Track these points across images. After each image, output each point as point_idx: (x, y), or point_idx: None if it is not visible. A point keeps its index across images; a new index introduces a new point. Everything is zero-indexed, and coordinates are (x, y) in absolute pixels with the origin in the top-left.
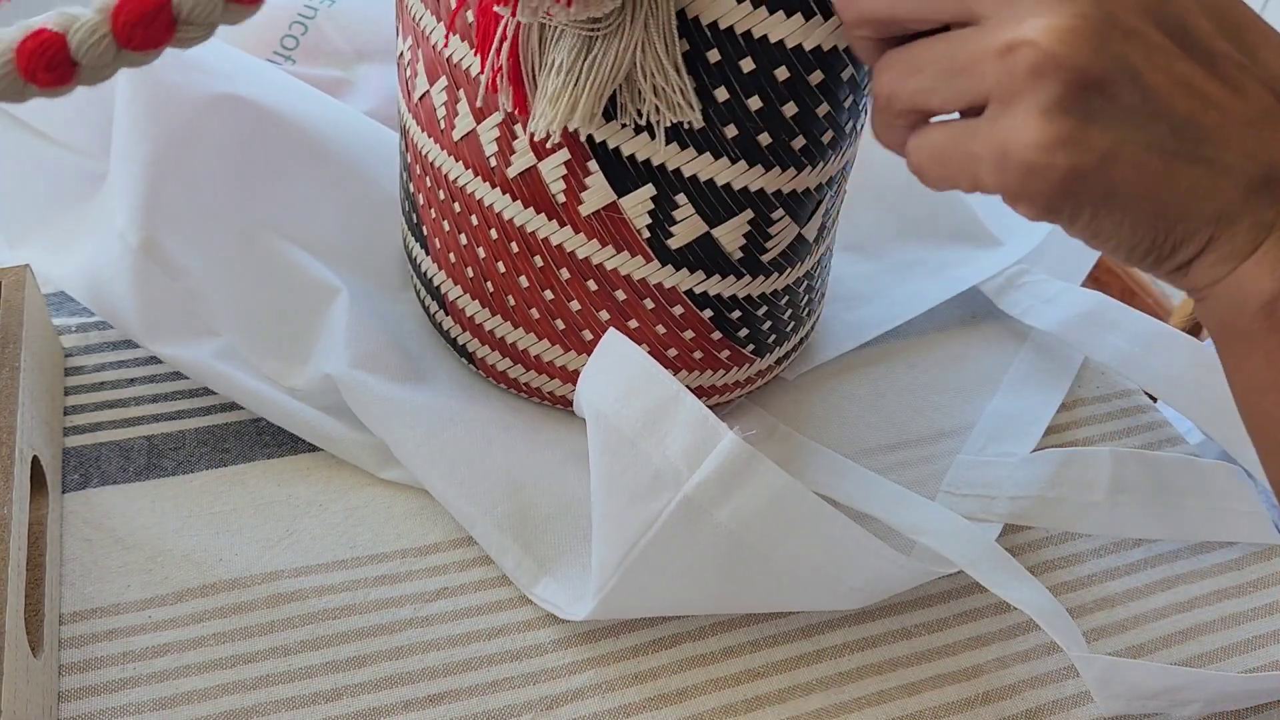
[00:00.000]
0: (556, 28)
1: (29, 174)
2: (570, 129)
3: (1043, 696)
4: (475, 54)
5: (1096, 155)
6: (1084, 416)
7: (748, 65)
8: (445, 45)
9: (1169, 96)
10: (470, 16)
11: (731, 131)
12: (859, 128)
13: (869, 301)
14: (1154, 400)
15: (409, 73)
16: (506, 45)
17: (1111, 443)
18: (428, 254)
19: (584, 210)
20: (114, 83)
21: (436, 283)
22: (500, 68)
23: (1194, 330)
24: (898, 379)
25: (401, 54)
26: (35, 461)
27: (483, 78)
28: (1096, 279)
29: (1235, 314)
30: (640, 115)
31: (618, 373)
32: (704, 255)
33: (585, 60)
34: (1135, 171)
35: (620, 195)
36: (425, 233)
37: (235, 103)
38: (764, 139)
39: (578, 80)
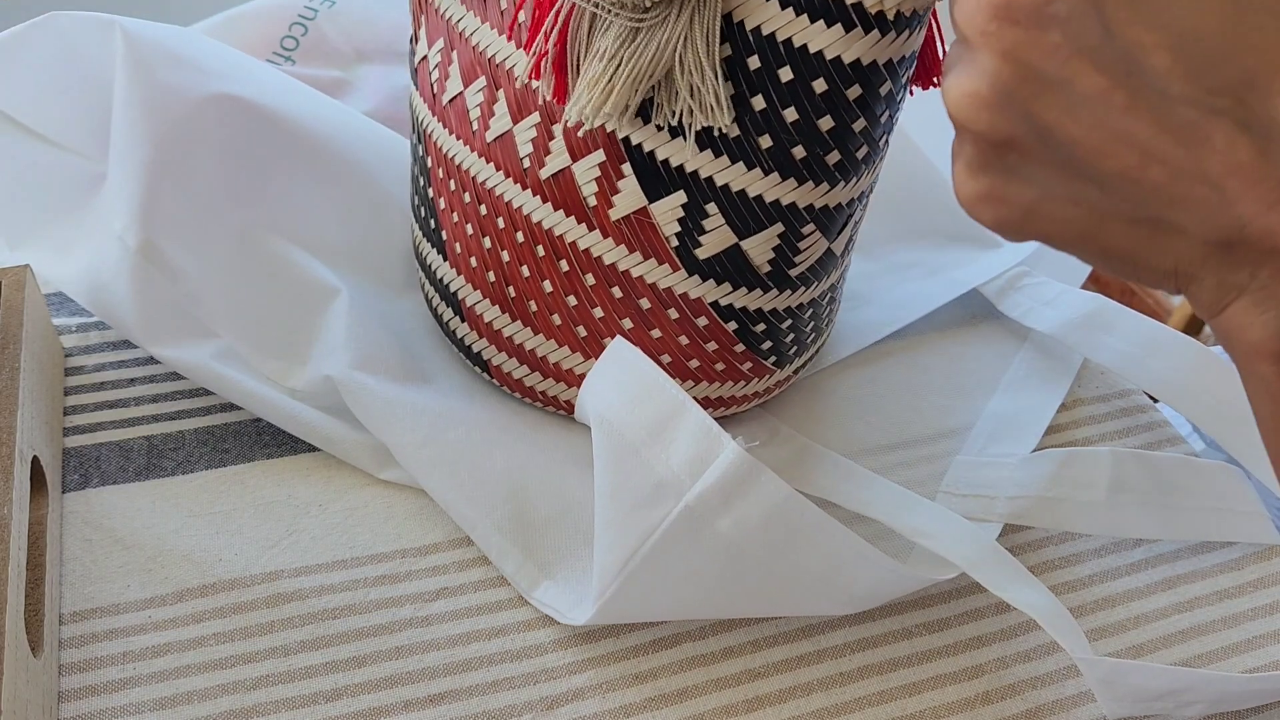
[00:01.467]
0: (606, 19)
1: (29, 176)
2: (606, 124)
3: (1043, 696)
4: (527, 52)
5: (1019, 211)
6: (1084, 417)
7: (786, 75)
8: (488, 45)
9: (1095, 152)
10: (523, 16)
11: (766, 143)
12: (890, 140)
13: (869, 302)
14: (1154, 400)
15: (437, 76)
16: (556, 31)
17: (1111, 443)
18: (445, 260)
19: (614, 214)
20: (112, 83)
21: (454, 289)
22: (545, 52)
23: (1193, 331)
24: (898, 379)
25: (424, 59)
26: (35, 461)
27: (526, 62)
28: (1096, 279)
29: (1230, 347)
30: (674, 115)
31: (624, 381)
32: (731, 267)
33: (628, 49)
34: (1065, 227)
35: (651, 200)
36: (445, 238)
37: (232, 103)
38: (798, 152)
39: (618, 68)
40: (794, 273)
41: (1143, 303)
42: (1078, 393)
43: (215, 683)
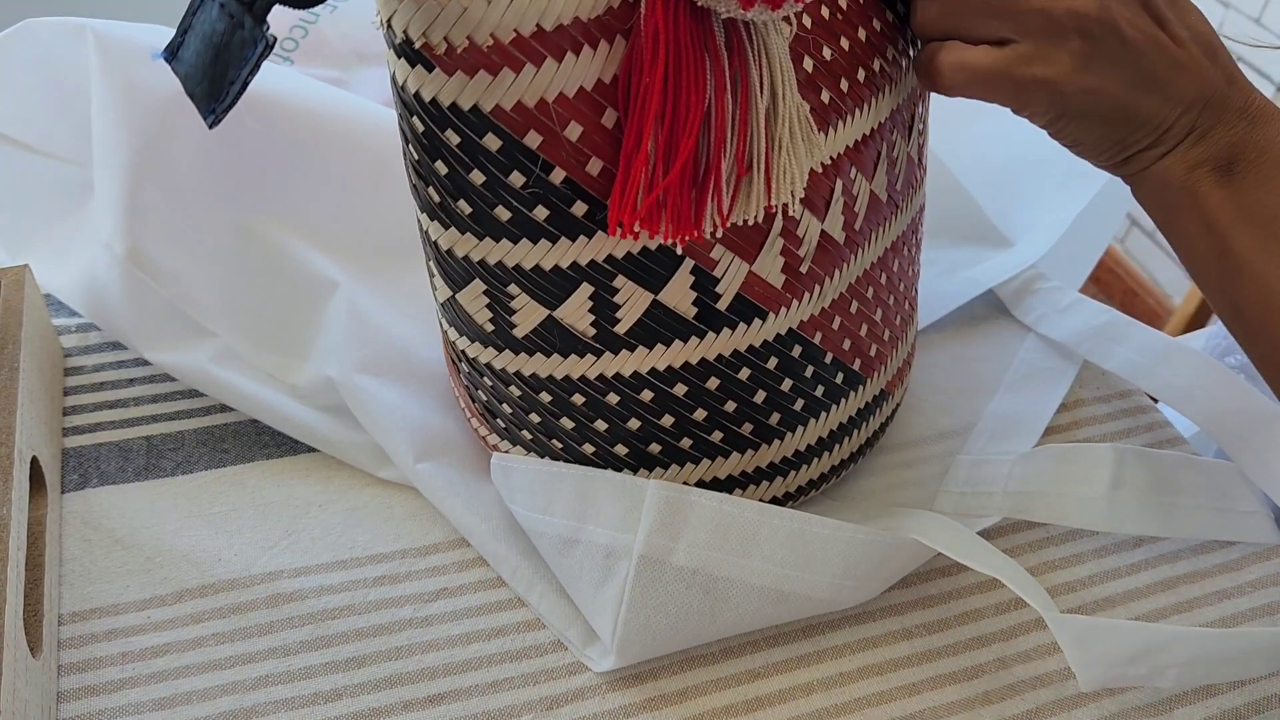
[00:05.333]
0: None
1: (24, 186)
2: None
3: (1043, 697)
4: None
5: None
6: (1085, 417)
7: (492, 142)
8: None
9: (1140, 48)
10: None
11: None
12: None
13: None
14: (1155, 401)
15: None
16: None
17: (1112, 442)
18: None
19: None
20: (90, 87)
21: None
22: None
23: (1194, 324)
24: None
25: None
26: (35, 461)
27: None
28: (1097, 279)
29: (1162, 189)
30: None
31: (525, 489)
32: (555, 338)
33: None
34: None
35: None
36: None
37: None
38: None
39: None
40: (620, 329)
41: (1143, 301)
42: (1079, 393)
43: (214, 683)
